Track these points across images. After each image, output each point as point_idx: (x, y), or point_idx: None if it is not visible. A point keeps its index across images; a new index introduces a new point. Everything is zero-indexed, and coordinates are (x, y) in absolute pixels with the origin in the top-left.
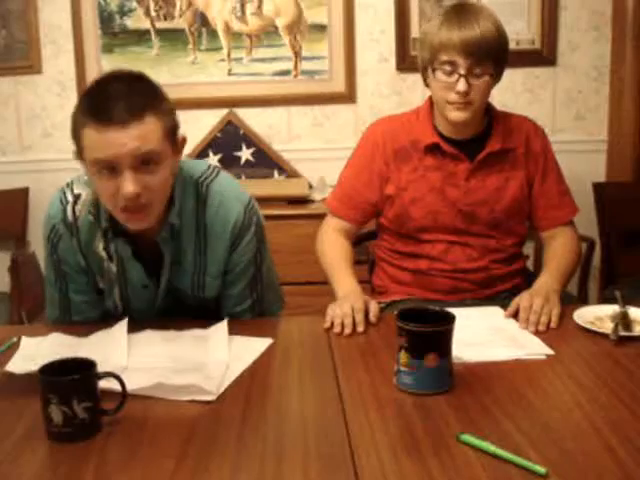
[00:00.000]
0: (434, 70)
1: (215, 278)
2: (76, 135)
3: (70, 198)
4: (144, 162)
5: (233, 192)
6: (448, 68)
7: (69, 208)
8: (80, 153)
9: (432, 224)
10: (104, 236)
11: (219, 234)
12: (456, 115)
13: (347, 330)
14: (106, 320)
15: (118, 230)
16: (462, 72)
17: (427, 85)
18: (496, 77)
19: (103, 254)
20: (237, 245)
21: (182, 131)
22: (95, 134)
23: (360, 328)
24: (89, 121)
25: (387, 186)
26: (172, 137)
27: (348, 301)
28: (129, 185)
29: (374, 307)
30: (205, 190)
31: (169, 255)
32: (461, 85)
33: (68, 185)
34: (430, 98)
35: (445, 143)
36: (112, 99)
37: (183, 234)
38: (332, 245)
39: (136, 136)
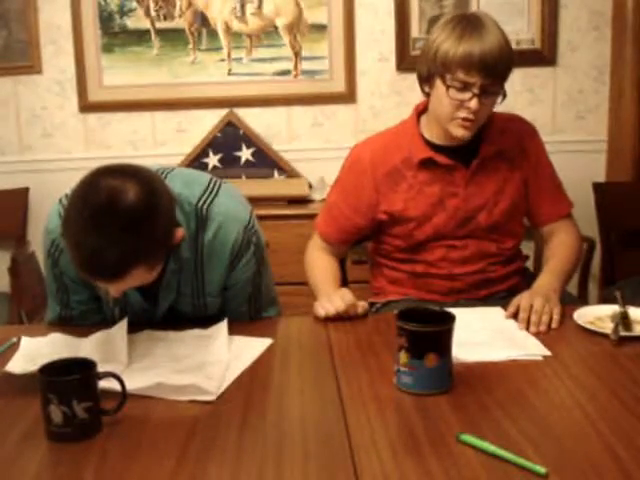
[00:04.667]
0: (448, 87)
1: (216, 297)
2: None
3: None
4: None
5: (233, 212)
6: (461, 85)
7: None
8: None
9: (434, 236)
10: None
11: (218, 255)
12: (461, 133)
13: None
14: (106, 322)
15: None
16: (476, 91)
17: (426, 95)
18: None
19: None
20: (235, 265)
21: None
22: (82, 275)
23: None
24: (75, 266)
25: (378, 212)
26: (167, 253)
27: (336, 294)
28: (113, 294)
29: (362, 303)
30: (205, 213)
31: (175, 285)
32: (474, 103)
33: (67, 197)
34: (416, 109)
35: (438, 154)
36: (100, 252)
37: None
38: (318, 265)
39: (126, 285)
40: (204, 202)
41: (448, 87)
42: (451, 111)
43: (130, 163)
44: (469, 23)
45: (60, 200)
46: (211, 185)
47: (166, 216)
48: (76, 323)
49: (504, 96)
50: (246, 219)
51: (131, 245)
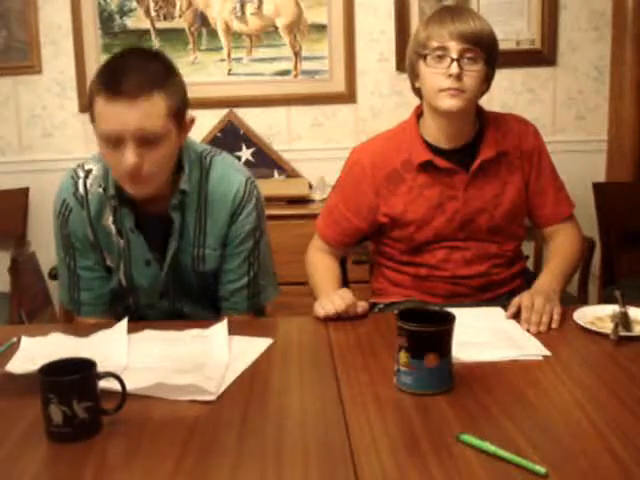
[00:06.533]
0: (425, 58)
1: (214, 250)
2: (90, 102)
3: (81, 174)
4: (147, 140)
5: (235, 166)
6: (440, 53)
7: (80, 182)
8: (93, 119)
9: (434, 239)
10: (112, 206)
11: (220, 204)
12: (449, 103)
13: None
14: (112, 308)
15: (124, 199)
16: (454, 56)
17: (415, 90)
18: (488, 73)
19: (112, 227)
20: (237, 216)
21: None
22: (104, 104)
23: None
24: (101, 90)
25: (379, 215)
26: (179, 117)
27: (336, 294)
28: (130, 158)
29: (362, 303)
30: (209, 162)
31: (178, 223)
32: (454, 68)
33: (79, 165)
34: (416, 110)
35: (438, 157)
36: (125, 72)
37: (187, 205)
38: (319, 266)
39: (141, 114)
40: (209, 152)
41: (425, 58)
42: (436, 83)
43: None
44: (448, 9)
45: (74, 169)
46: (212, 149)
47: (183, 83)
48: (83, 296)
49: (489, 77)
50: (248, 173)
51: (157, 67)
